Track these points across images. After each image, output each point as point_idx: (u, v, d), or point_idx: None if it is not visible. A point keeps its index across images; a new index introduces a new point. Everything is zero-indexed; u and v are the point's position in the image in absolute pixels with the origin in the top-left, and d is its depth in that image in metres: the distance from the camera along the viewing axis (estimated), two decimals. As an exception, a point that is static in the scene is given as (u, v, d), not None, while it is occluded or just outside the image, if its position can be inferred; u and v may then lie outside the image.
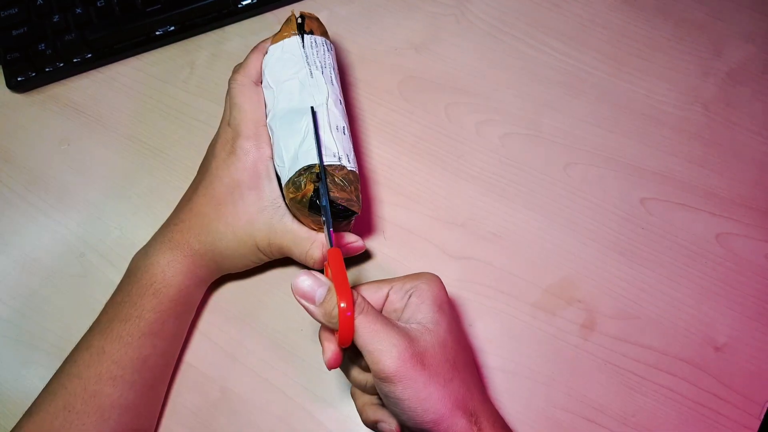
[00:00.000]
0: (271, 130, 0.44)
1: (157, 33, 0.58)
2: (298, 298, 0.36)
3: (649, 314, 0.47)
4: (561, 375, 0.46)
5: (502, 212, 0.50)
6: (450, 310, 0.39)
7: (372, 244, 0.50)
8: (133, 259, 0.46)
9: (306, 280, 0.35)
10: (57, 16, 0.56)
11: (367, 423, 0.41)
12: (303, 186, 0.40)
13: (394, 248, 0.50)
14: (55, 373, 0.43)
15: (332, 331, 0.37)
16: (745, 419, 0.44)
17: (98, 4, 0.56)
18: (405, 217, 0.51)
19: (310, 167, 0.41)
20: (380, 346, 0.34)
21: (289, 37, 0.46)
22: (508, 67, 0.56)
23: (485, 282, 0.49)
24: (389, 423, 0.39)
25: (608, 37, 0.56)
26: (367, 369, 0.39)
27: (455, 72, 0.56)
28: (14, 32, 0.56)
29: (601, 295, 0.48)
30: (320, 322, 0.36)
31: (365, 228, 0.51)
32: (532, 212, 0.51)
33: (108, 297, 0.50)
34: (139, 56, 0.59)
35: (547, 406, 0.45)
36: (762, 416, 0.44)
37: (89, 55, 0.57)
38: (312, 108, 0.43)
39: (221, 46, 0.59)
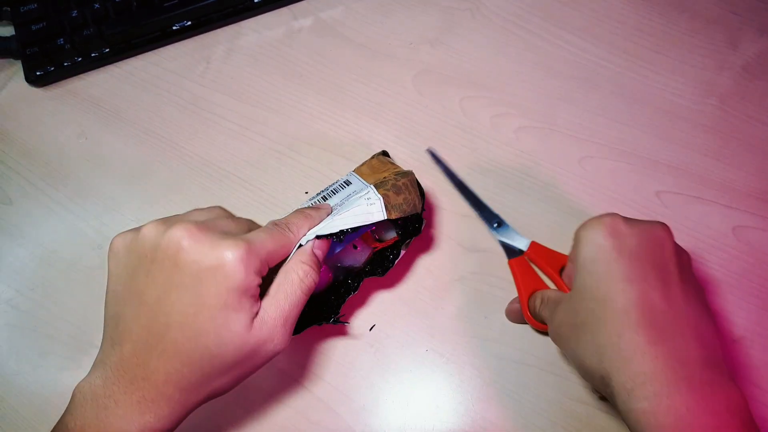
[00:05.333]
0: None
1: (174, 28, 0.58)
2: (512, 318, 0.47)
3: (665, 307, 0.47)
4: (577, 367, 0.46)
5: (517, 205, 0.51)
6: (593, 266, 0.36)
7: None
8: (84, 410, 0.34)
9: (510, 304, 0.47)
10: (75, 12, 0.57)
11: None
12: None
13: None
14: None
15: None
16: (762, 411, 0.44)
17: (115, 0, 0.57)
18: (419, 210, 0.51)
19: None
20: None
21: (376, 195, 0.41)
22: (523, 61, 0.56)
23: (500, 274, 0.49)
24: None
25: (623, 31, 0.56)
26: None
27: (470, 66, 0.56)
28: (33, 27, 0.57)
29: (617, 287, 0.48)
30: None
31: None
32: (546, 205, 0.51)
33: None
34: (156, 51, 0.59)
35: (563, 398, 0.45)
36: (780, 409, 0.44)
37: (107, 50, 0.58)
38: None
39: (237, 41, 0.59)
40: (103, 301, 0.52)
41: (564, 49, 0.56)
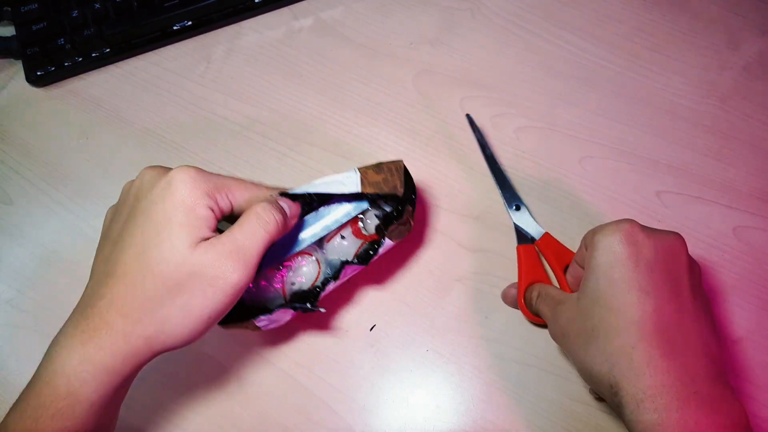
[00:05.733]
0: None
1: (174, 28, 0.58)
2: (507, 302, 0.47)
3: (665, 307, 0.47)
4: (577, 367, 0.46)
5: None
6: (610, 272, 0.35)
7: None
8: (46, 353, 0.34)
9: (508, 288, 0.47)
10: (75, 12, 0.57)
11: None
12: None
13: (410, 241, 0.50)
14: None
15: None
16: (764, 412, 0.44)
17: (116, 0, 0.57)
18: (421, 210, 0.51)
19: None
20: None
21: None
22: (524, 61, 0.56)
23: (501, 274, 0.49)
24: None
25: (624, 31, 0.56)
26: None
27: (470, 66, 0.56)
28: (34, 27, 0.57)
29: (617, 287, 0.48)
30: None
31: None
32: (546, 205, 0.51)
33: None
34: (156, 51, 0.59)
35: (563, 398, 0.45)
36: (780, 409, 0.44)
37: (107, 50, 0.58)
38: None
39: (237, 41, 0.59)
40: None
41: (564, 49, 0.56)
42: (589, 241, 0.38)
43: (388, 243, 0.43)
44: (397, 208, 0.43)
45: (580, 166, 0.52)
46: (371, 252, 0.43)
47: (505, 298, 0.48)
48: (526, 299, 0.45)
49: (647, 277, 0.35)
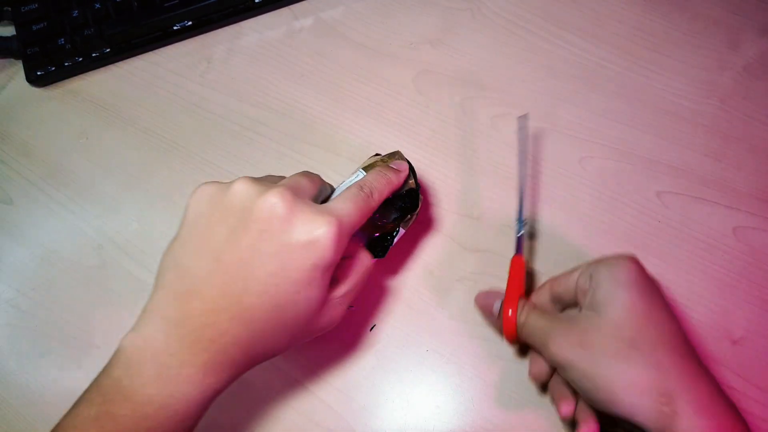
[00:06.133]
0: None
1: (175, 28, 0.58)
2: (480, 310, 0.45)
3: (665, 307, 0.47)
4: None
5: (517, 205, 0.50)
6: (638, 289, 0.37)
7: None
8: (129, 363, 0.33)
9: (485, 297, 0.44)
10: (76, 12, 0.57)
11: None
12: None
13: (410, 240, 0.50)
14: None
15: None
16: (764, 412, 0.44)
17: (116, 0, 0.57)
18: (421, 210, 0.51)
19: None
20: (539, 341, 0.38)
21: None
22: (524, 61, 0.56)
23: (501, 274, 0.49)
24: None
25: (624, 32, 0.56)
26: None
27: (471, 66, 0.56)
28: (34, 27, 0.57)
29: (618, 287, 0.48)
30: (497, 329, 0.44)
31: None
32: (546, 206, 0.51)
33: (125, 289, 0.51)
34: (156, 51, 0.59)
35: (563, 398, 0.45)
36: (780, 409, 0.44)
37: (107, 50, 0.58)
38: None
39: (237, 41, 0.59)
40: (105, 300, 0.51)
41: (564, 49, 0.56)
42: (594, 270, 0.39)
43: (401, 232, 0.44)
44: (412, 200, 0.44)
45: (580, 166, 0.52)
46: (387, 243, 0.44)
47: (481, 302, 0.45)
48: (518, 311, 0.42)
49: (662, 296, 0.38)
